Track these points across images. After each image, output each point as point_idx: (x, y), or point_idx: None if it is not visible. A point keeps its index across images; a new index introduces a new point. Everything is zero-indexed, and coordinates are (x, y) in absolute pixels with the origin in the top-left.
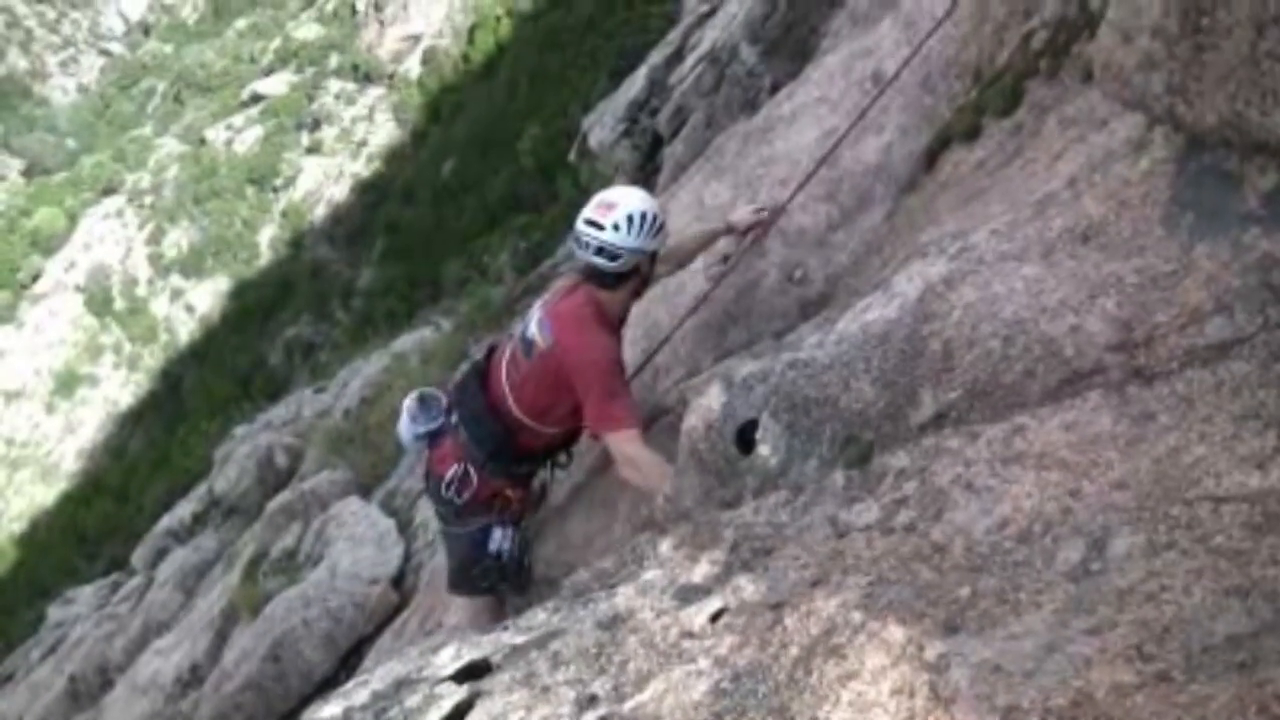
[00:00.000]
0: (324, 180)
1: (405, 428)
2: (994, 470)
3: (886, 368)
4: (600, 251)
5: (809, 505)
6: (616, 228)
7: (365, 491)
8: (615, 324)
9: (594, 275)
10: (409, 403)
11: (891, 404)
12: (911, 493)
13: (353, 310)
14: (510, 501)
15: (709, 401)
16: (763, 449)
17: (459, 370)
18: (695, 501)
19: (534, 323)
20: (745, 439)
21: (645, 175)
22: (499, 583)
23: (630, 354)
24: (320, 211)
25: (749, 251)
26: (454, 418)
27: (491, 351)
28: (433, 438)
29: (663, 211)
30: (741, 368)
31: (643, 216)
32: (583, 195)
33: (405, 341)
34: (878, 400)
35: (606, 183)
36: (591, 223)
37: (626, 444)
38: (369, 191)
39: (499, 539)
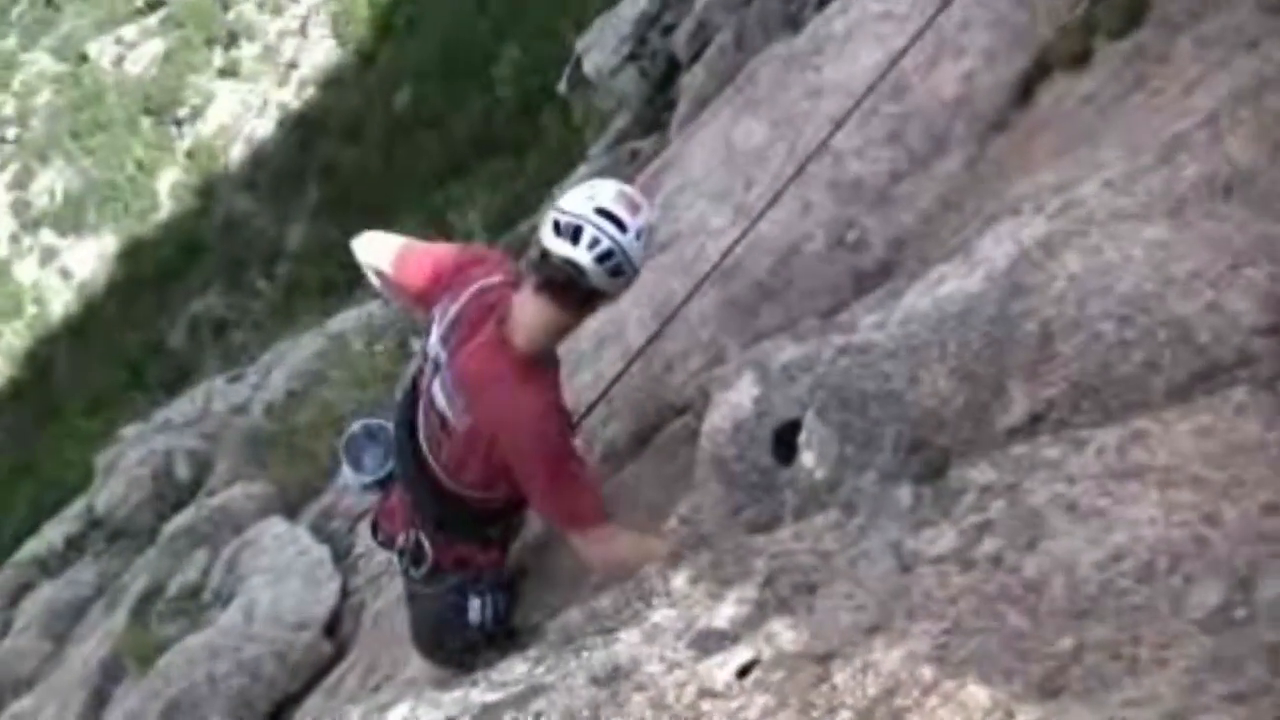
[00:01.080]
0: (242, 112)
1: (349, 476)
2: (1105, 488)
3: (966, 355)
4: (607, 259)
5: (865, 529)
6: (639, 235)
7: (292, 510)
8: (553, 360)
9: (560, 288)
10: (351, 436)
11: (973, 401)
12: (998, 515)
13: (278, 279)
14: (482, 568)
15: (738, 396)
16: (806, 457)
17: (399, 383)
18: (718, 523)
19: (438, 387)
20: (784, 444)
21: (656, 110)
22: (483, 652)
23: (635, 339)
24: (237, 152)
25: (789, 208)
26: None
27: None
28: (384, 483)
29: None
30: (780, 354)
31: (652, 232)
32: (575, 137)
33: (345, 319)
34: (955, 396)
35: (605, 120)
36: (613, 217)
37: (596, 544)
38: (300, 127)
39: (477, 609)
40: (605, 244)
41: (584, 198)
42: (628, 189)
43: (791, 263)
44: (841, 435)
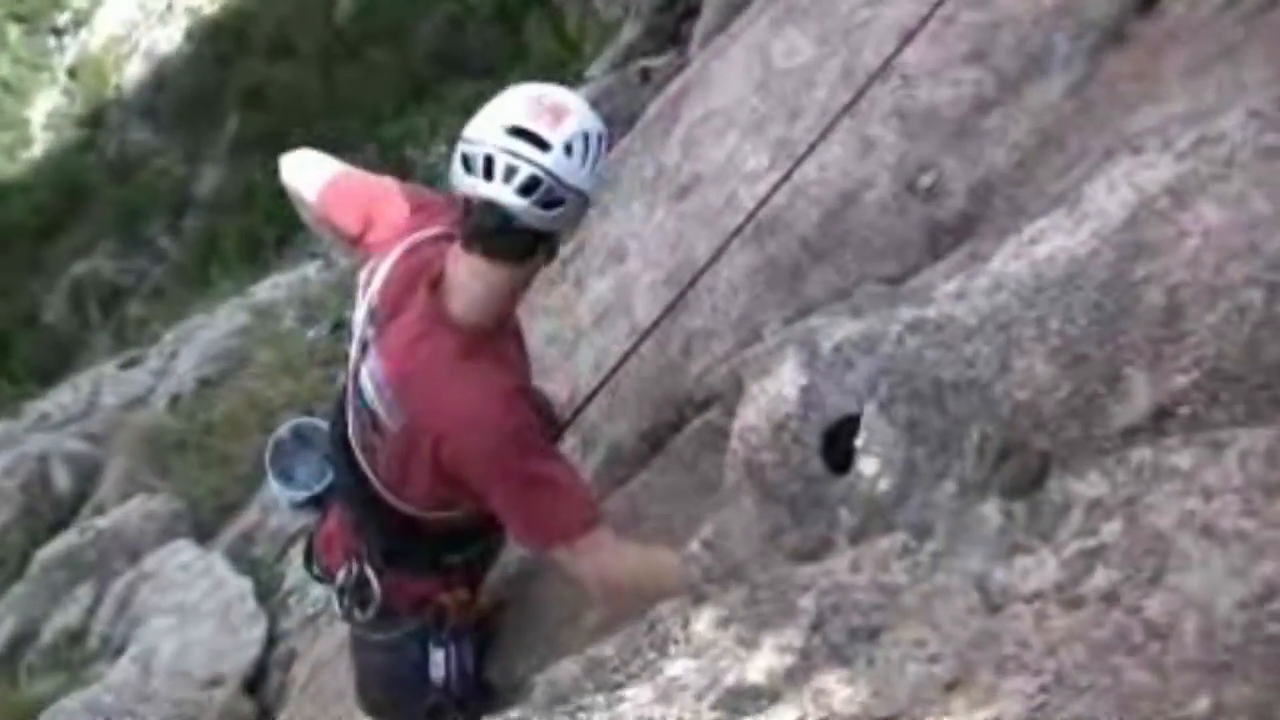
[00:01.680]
0: (140, 19)
1: (278, 491)
2: (1250, 505)
3: (1072, 334)
4: (532, 189)
5: (942, 557)
6: (570, 150)
7: (204, 533)
8: (507, 331)
9: (489, 237)
10: (280, 441)
11: (1079, 392)
12: (1112, 540)
13: (186, 234)
14: (447, 610)
15: (779, 386)
16: (866, 463)
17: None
18: (752, 549)
19: (366, 375)
20: (837, 447)
21: (674, 19)
22: (450, 717)
23: (647, 311)
24: (134, 70)
25: (844, 145)
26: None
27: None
28: (322, 501)
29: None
30: (832, 331)
31: (599, 140)
32: (569, 53)
33: (275, 286)
34: (1057, 387)
35: (608, 32)
36: (528, 135)
37: (587, 556)
38: (215, 39)
39: (441, 664)
40: (525, 171)
41: (488, 118)
42: (547, 90)
43: (847, 215)
44: (911, 436)
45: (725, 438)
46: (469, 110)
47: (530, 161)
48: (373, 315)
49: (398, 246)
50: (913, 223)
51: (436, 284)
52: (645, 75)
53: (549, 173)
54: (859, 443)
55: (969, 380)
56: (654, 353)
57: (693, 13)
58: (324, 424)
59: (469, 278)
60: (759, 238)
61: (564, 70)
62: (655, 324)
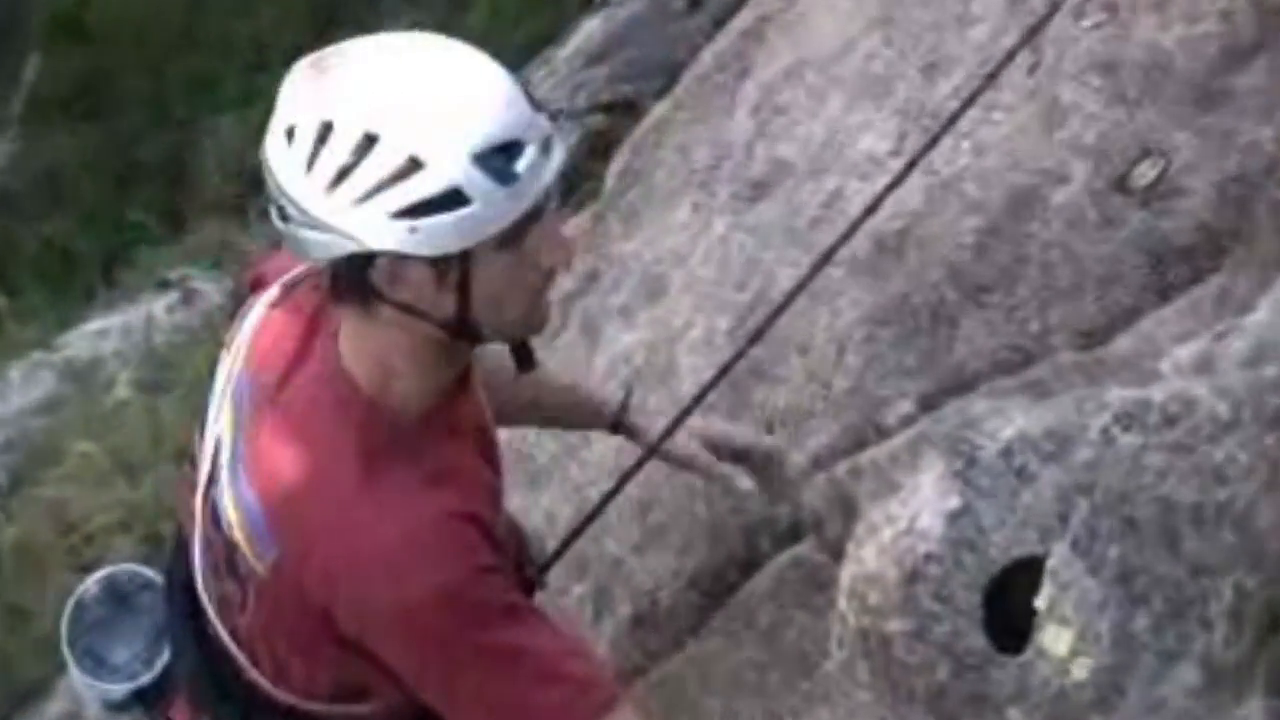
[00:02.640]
0: None
1: (83, 682)
2: None
3: None
4: (285, 217)
5: None
6: (290, 137)
7: None
8: (460, 430)
9: (335, 281)
10: (82, 603)
11: None
12: None
13: None
14: None
15: (914, 510)
16: (1054, 637)
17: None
18: None
19: (226, 489)
20: (1008, 611)
21: None
22: None
23: (700, 373)
24: None
25: (1015, 115)
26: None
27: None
28: (155, 696)
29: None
30: (999, 423)
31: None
32: None
33: (98, 333)
34: None
35: None
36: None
37: None
38: None
39: None
40: (273, 190)
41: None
42: (351, 48)
43: (1021, 228)
44: (1125, 592)
45: (827, 590)
46: None
47: (273, 165)
48: (236, 390)
49: (274, 286)
50: (1124, 241)
51: (335, 336)
52: None
53: (270, 172)
54: (1041, 603)
55: (1219, 505)
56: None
57: None
58: (153, 574)
59: (350, 337)
60: (879, 264)
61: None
62: (703, 394)
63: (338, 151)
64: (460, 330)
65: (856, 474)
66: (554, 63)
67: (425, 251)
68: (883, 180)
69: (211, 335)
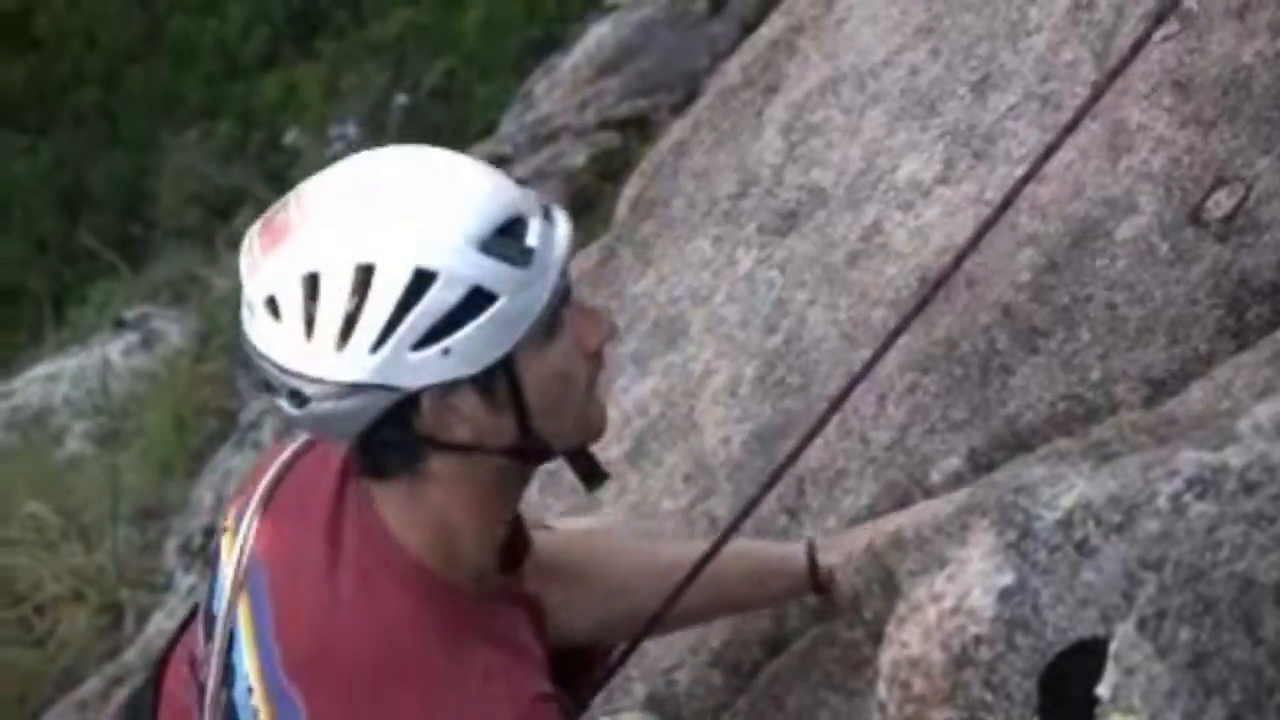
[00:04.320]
0: None
1: None
2: None
3: None
4: (300, 402)
5: None
6: (274, 306)
7: None
8: (515, 599)
9: (359, 454)
10: None
11: None
12: None
13: None
14: None
15: (963, 586)
16: None
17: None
18: None
19: (246, 656)
20: (1068, 698)
21: None
22: None
23: (727, 430)
24: None
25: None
26: None
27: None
28: None
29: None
30: (1057, 489)
31: (342, 295)
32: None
33: (48, 378)
34: None
35: None
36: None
37: None
38: None
39: None
40: (272, 377)
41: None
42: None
43: (1084, 263)
44: (1197, 679)
45: (863, 671)
46: (385, 50)
47: (253, 336)
48: (245, 541)
49: (258, 490)
50: (1198, 279)
51: (373, 510)
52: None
53: (262, 358)
54: (1104, 691)
55: None
56: (733, 507)
57: None
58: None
59: (399, 509)
60: (926, 305)
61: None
62: (747, 510)
63: (335, 299)
64: (525, 451)
65: (898, 546)
66: (558, 72)
67: (466, 371)
68: (929, 210)
69: (174, 381)
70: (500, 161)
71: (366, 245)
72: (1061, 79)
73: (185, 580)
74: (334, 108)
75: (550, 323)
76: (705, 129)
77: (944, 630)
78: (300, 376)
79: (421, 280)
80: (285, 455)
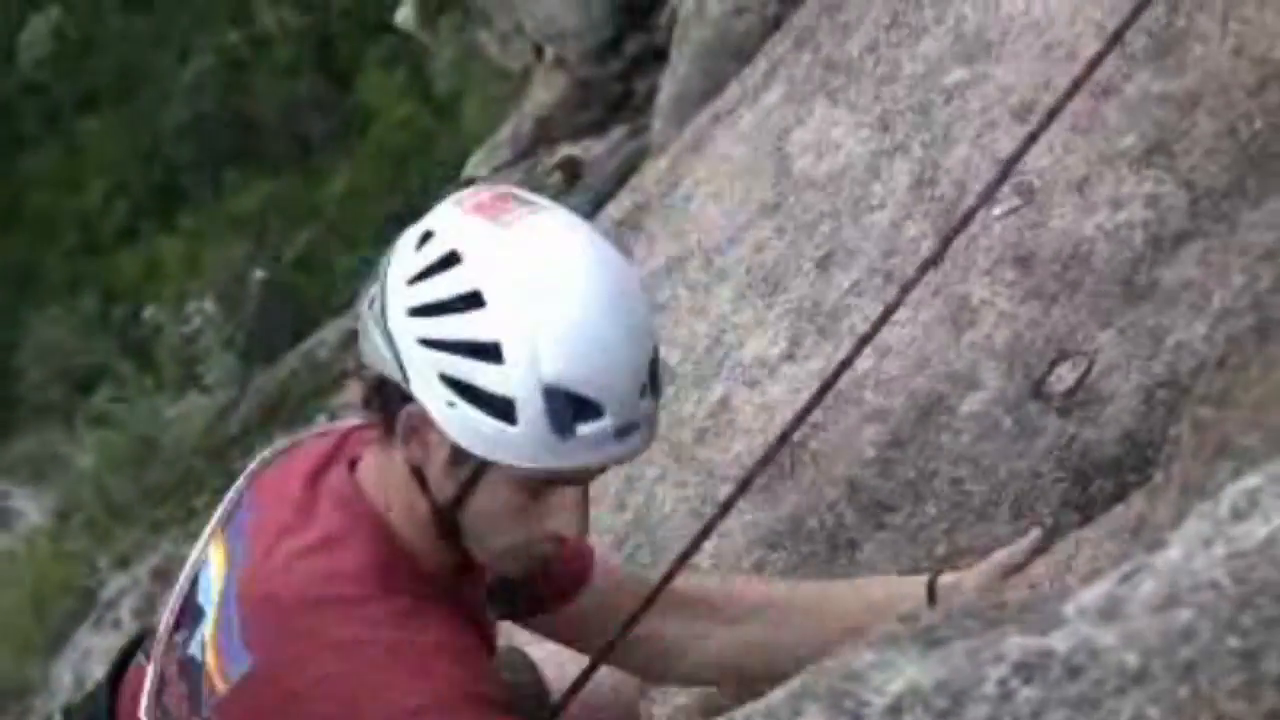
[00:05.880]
0: None
1: None
2: None
3: None
4: (370, 303)
5: None
6: (425, 241)
7: None
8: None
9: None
10: None
11: None
12: None
13: None
14: None
15: None
16: None
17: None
18: None
19: (205, 619)
20: None
21: (620, 72)
22: None
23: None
24: None
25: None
26: None
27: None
28: None
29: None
30: (887, 676)
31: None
32: (444, 127)
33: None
34: None
35: (503, 94)
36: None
37: None
38: None
39: None
40: (380, 270)
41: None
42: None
43: (926, 436)
44: None
45: None
46: (246, 223)
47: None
48: (234, 521)
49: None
50: (1042, 452)
51: (355, 465)
52: (570, 172)
53: (392, 251)
54: None
55: None
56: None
57: (659, 55)
58: None
59: (372, 458)
60: (771, 481)
61: (428, 158)
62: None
63: (440, 290)
64: (443, 526)
65: None
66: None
67: (450, 432)
68: (774, 388)
69: (33, 561)
70: (358, 334)
71: (499, 287)
72: (904, 254)
73: None
74: (194, 281)
75: (538, 483)
76: None
77: None
78: (383, 293)
79: (491, 351)
80: (301, 438)
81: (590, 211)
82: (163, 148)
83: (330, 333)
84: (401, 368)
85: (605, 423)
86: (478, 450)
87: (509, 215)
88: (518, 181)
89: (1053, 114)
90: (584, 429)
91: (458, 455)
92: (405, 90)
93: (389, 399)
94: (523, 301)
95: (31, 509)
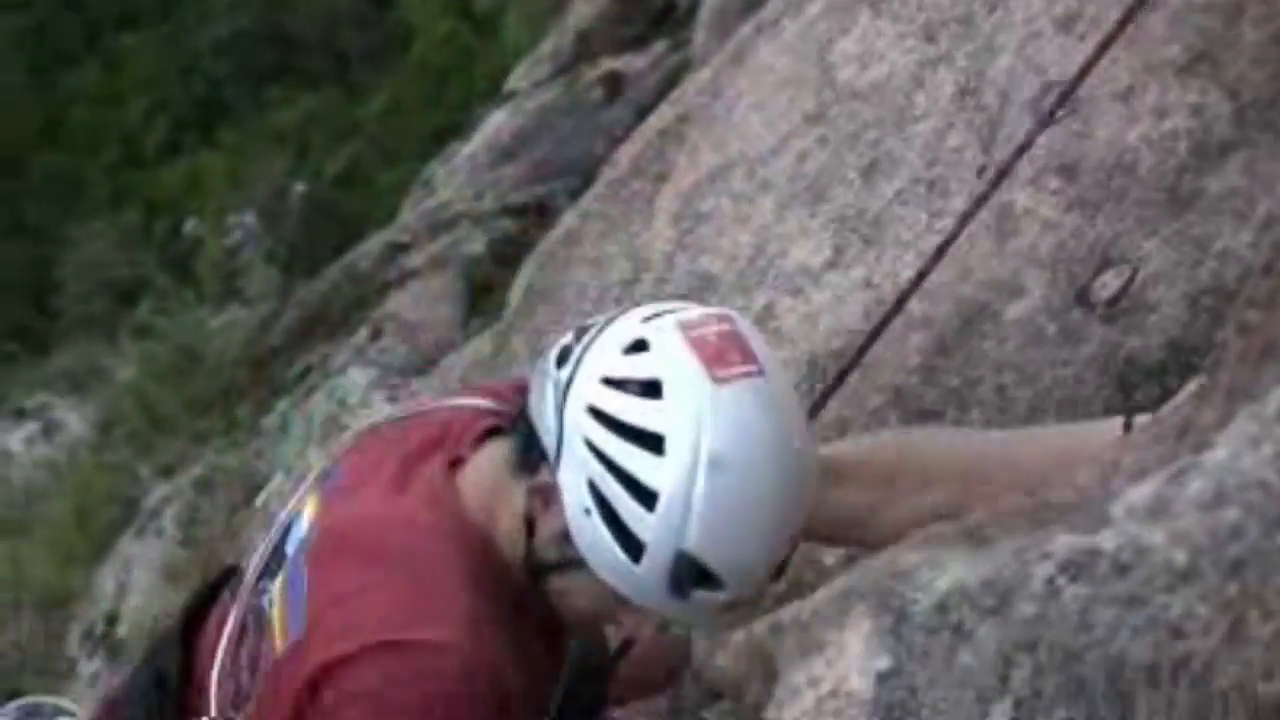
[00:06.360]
0: None
1: None
2: None
3: None
4: (563, 358)
5: None
6: (639, 345)
7: None
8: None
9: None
10: None
11: None
12: None
13: None
14: None
15: (840, 672)
16: None
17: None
18: None
19: (283, 572)
20: None
21: None
22: None
23: None
24: None
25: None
26: None
27: (211, 600)
28: None
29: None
30: (933, 574)
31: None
32: (485, 46)
33: None
34: None
35: (542, 11)
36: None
37: None
38: None
39: None
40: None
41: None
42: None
43: (971, 344)
44: None
45: None
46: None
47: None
48: (328, 478)
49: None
50: (1086, 360)
51: (455, 464)
52: (612, 87)
53: (605, 317)
54: None
55: (1175, 662)
56: None
57: None
58: (72, 706)
59: (480, 469)
60: (815, 388)
61: (468, 73)
62: None
63: (628, 413)
64: (535, 572)
65: (777, 631)
66: (457, 159)
67: (574, 534)
68: (818, 295)
69: (75, 472)
70: (399, 248)
71: (680, 426)
72: (948, 164)
73: (88, 667)
74: (235, 195)
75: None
76: (595, 218)
77: (822, 714)
78: (578, 355)
79: (646, 494)
80: (411, 413)
81: (632, 123)
82: (202, 64)
83: (373, 244)
84: (559, 448)
85: (721, 595)
86: (592, 562)
87: (726, 370)
88: (558, 95)
89: (1105, 45)
90: (699, 595)
91: (566, 544)
92: (446, 6)
93: (538, 445)
94: (697, 464)
95: (74, 420)
